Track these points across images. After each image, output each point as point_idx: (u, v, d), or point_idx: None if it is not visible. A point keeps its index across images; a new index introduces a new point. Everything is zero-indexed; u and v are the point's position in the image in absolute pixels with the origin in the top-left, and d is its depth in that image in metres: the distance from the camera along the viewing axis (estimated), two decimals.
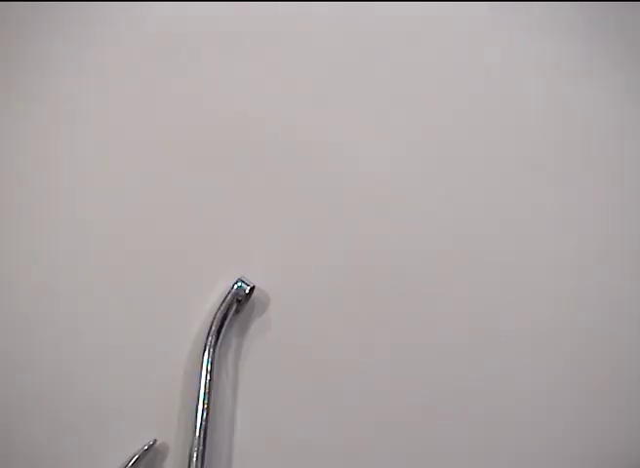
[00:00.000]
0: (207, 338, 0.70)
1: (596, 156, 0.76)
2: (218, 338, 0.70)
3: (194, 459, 0.68)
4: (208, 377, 0.69)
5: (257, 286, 0.72)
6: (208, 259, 0.73)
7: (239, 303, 0.72)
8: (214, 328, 0.71)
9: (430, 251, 0.74)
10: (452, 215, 0.75)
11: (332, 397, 0.72)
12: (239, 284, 0.72)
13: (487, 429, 0.71)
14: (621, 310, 0.74)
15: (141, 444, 0.69)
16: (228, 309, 0.71)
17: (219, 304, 0.71)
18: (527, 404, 0.72)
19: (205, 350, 0.70)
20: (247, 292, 0.71)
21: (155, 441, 0.70)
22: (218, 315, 0.71)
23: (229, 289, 0.71)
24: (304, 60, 0.77)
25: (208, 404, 0.69)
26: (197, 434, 0.68)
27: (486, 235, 0.74)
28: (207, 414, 0.69)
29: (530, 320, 0.73)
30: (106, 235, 0.73)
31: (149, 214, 0.74)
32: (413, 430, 0.71)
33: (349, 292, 0.73)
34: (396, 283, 0.73)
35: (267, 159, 0.75)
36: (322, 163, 0.75)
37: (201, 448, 0.68)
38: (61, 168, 0.74)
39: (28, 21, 0.76)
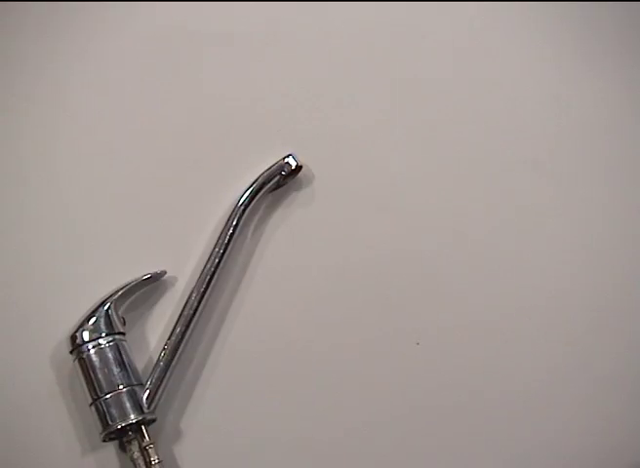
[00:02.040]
0: (242, 195, 0.72)
1: (596, 155, 0.77)
2: (253, 198, 0.72)
3: (192, 297, 0.69)
4: (231, 230, 0.71)
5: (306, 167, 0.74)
6: None
7: (283, 178, 0.73)
8: (252, 187, 0.72)
9: (430, 250, 0.74)
10: (451, 214, 0.75)
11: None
12: (288, 159, 0.74)
13: (487, 428, 0.71)
14: (623, 309, 0.73)
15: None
16: (271, 176, 0.73)
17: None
18: (527, 403, 0.71)
19: (237, 204, 0.72)
20: (293, 167, 0.73)
21: (165, 272, 0.72)
22: (259, 179, 0.73)
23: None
24: (304, 61, 0.78)
25: (223, 253, 0.70)
26: (204, 276, 0.70)
27: (485, 235, 0.75)
28: (218, 262, 0.70)
29: (530, 319, 0.73)
30: (105, 235, 0.74)
31: (149, 213, 0.75)
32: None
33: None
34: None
35: (266, 158, 0.75)
36: (322, 162, 0.76)
37: (202, 289, 0.69)
38: (61, 168, 0.75)
39: (29, 22, 0.77)
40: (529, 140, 0.77)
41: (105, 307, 0.68)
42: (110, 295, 0.69)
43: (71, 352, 0.68)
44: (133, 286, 0.70)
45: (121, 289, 0.70)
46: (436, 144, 0.77)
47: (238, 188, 0.74)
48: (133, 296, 0.71)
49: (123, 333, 0.69)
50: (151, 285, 0.72)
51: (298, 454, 0.70)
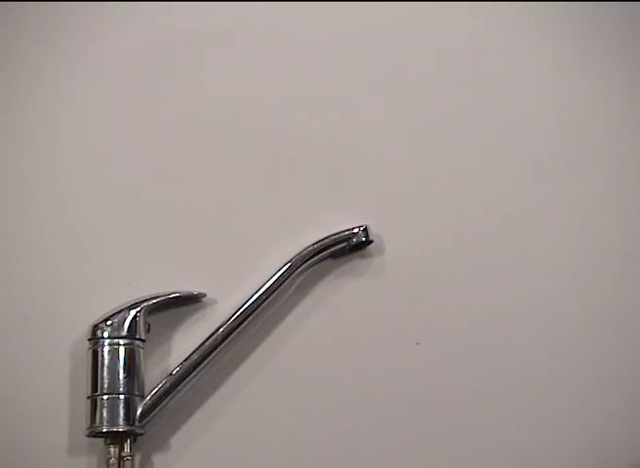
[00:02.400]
0: (300, 252, 0.71)
1: (596, 155, 0.77)
2: (310, 259, 0.71)
3: (219, 331, 0.69)
4: (279, 282, 0.70)
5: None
6: None
7: (350, 247, 0.72)
8: (312, 246, 0.71)
9: (430, 250, 0.74)
10: (451, 214, 0.75)
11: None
12: (357, 230, 0.72)
13: (487, 427, 0.71)
14: (623, 309, 0.73)
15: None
16: (338, 241, 0.71)
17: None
18: (527, 403, 0.71)
19: (295, 261, 0.70)
20: (363, 239, 0.72)
21: (205, 294, 0.71)
22: (325, 240, 0.71)
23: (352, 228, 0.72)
24: (304, 61, 0.78)
25: (267, 297, 0.70)
26: (237, 316, 0.69)
27: (485, 235, 0.75)
28: (262, 302, 0.69)
29: (530, 319, 0.73)
30: (104, 235, 0.74)
31: (149, 214, 0.74)
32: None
33: None
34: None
35: (268, 157, 0.76)
36: (321, 163, 0.76)
37: (231, 326, 0.69)
38: (61, 168, 0.75)
39: (29, 22, 0.77)
40: (529, 140, 0.77)
41: (136, 310, 0.68)
42: (145, 300, 0.69)
43: (89, 340, 0.68)
44: (169, 299, 0.70)
45: (157, 297, 0.69)
46: (436, 144, 0.77)
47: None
48: (167, 309, 0.71)
49: (143, 340, 0.68)
50: (188, 303, 0.71)
51: (297, 454, 0.70)
